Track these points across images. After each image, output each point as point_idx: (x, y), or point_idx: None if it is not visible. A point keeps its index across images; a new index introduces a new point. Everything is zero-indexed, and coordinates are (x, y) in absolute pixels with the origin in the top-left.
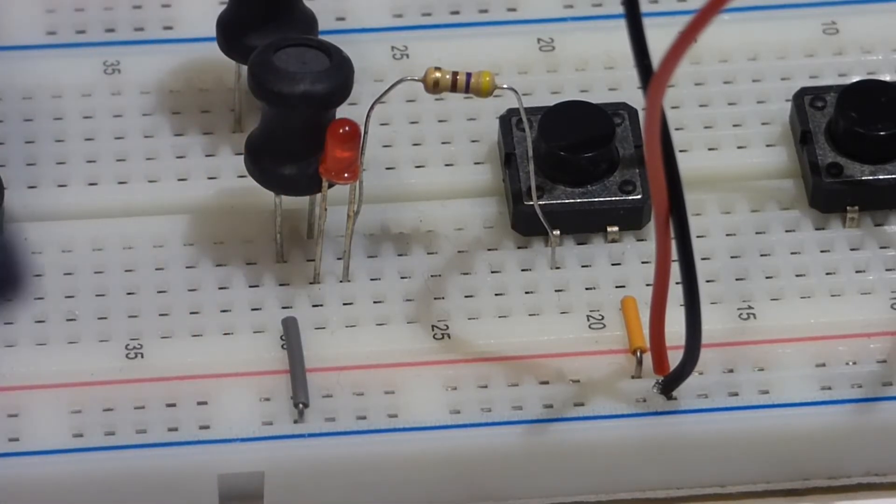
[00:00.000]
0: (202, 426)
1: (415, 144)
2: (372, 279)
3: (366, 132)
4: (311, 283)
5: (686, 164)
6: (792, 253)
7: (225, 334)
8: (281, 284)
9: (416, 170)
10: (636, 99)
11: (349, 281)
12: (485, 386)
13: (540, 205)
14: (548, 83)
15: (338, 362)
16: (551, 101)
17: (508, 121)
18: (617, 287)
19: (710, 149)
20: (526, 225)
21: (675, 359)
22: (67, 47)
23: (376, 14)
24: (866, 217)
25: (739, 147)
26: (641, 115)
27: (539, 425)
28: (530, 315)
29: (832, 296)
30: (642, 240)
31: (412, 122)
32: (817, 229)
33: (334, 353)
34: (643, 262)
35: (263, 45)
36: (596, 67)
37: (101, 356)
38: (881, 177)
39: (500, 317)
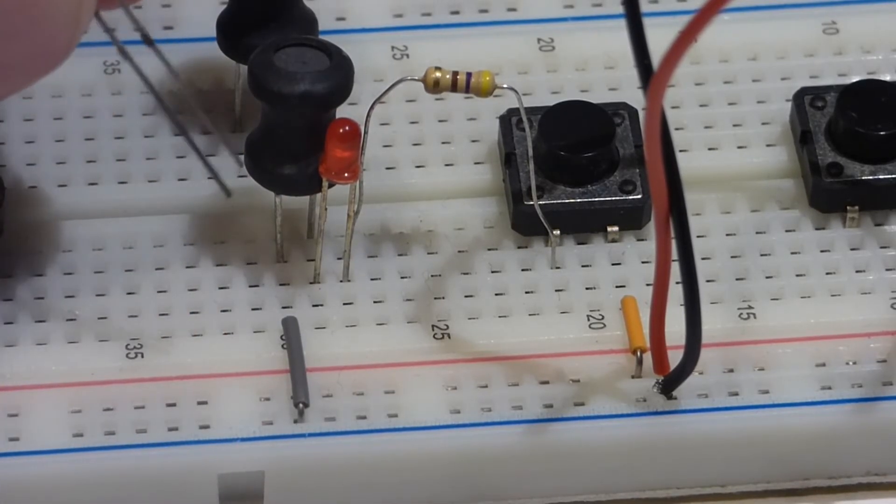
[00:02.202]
0: (202, 426)
1: (415, 144)
2: (372, 279)
3: (366, 132)
4: (311, 283)
5: (686, 164)
6: (792, 253)
7: (225, 334)
8: (281, 284)
9: (417, 170)
10: (636, 99)
11: (349, 281)
12: (485, 386)
13: (540, 205)
14: (548, 83)
15: (338, 362)
16: (551, 101)
17: (508, 121)
18: (617, 287)
19: (710, 149)
20: (526, 225)
21: (675, 358)
22: None
23: (376, 14)
24: (866, 217)
25: (740, 147)
26: (641, 114)
27: (539, 425)
28: (530, 315)
29: (832, 295)
30: (642, 239)
31: (412, 123)
32: (817, 229)
33: (334, 352)
34: (643, 262)
35: (263, 44)
36: (596, 67)
37: (102, 356)
38: (881, 176)
39: (500, 316)
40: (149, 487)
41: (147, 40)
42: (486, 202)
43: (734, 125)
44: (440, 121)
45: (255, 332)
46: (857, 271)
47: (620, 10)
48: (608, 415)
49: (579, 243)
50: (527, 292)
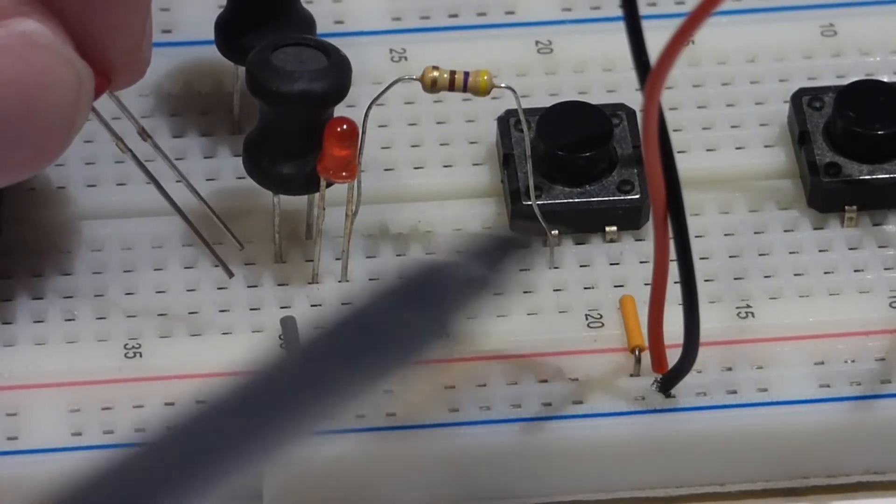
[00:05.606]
0: None
1: (413, 146)
2: (371, 279)
3: (363, 132)
4: (309, 284)
5: (685, 165)
6: (790, 252)
7: (223, 334)
8: (279, 284)
9: (415, 171)
10: (634, 101)
11: (348, 281)
12: (484, 384)
13: (538, 205)
14: (546, 85)
15: None
16: (549, 103)
17: (507, 122)
18: (615, 286)
19: (708, 150)
20: (524, 225)
21: (673, 357)
22: None
23: (375, 17)
24: (864, 216)
25: (738, 148)
26: (639, 116)
27: (538, 423)
28: (529, 314)
29: (830, 295)
30: (641, 239)
31: (411, 124)
32: (815, 229)
33: None
34: (641, 262)
35: (261, 44)
36: (594, 69)
37: (100, 355)
38: (879, 176)
39: (498, 316)
40: None
41: (144, 135)
42: (485, 203)
43: (732, 126)
44: (439, 122)
45: (253, 331)
46: (855, 270)
47: (618, 12)
48: (607, 413)
49: (577, 243)
50: (525, 292)
